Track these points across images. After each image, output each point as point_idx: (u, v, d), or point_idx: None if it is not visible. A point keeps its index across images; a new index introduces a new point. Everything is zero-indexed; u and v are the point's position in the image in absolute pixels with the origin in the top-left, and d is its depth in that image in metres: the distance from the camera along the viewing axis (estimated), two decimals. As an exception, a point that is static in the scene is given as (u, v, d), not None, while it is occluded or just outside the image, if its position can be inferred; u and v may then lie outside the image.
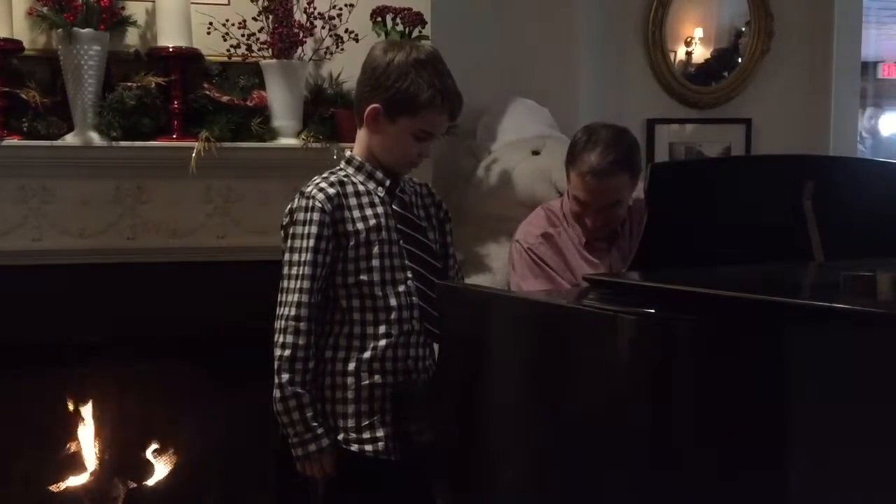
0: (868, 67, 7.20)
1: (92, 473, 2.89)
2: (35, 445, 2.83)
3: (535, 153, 3.09)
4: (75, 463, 2.88)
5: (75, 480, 2.87)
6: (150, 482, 2.94)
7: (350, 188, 2.06)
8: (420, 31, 2.76)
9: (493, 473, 1.76)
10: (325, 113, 2.73)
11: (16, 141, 2.52)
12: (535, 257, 2.50)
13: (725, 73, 3.80)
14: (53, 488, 2.86)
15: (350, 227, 2.03)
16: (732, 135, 3.80)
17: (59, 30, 2.52)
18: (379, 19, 2.75)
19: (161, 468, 2.96)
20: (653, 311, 1.40)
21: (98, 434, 2.89)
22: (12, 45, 2.53)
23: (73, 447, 2.88)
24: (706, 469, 1.37)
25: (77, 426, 2.88)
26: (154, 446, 2.96)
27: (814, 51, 3.83)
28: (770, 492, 1.38)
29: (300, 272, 2.00)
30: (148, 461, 2.95)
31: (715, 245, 1.71)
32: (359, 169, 2.09)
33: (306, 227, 2.00)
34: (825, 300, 1.35)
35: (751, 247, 1.73)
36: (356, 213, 2.04)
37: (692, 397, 1.38)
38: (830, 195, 1.78)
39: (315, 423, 2.01)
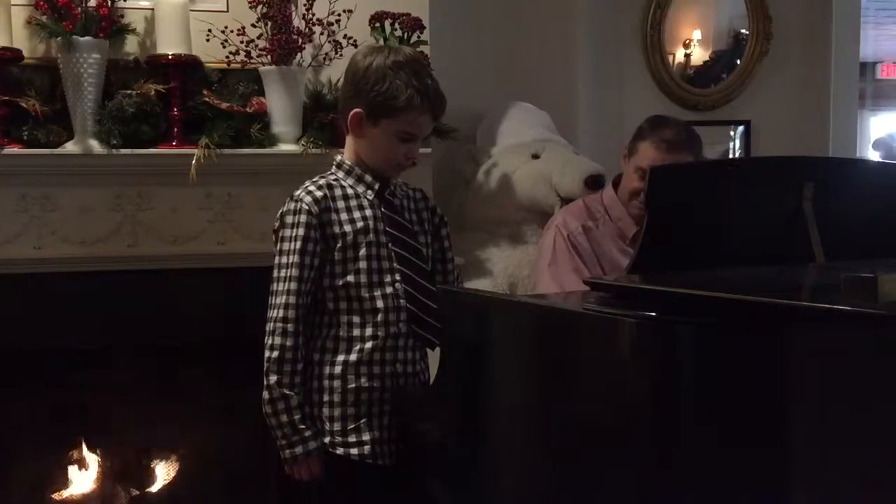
0: (867, 68, 7.20)
1: (94, 480, 2.89)
2: (37, 452, 2.83)
3: (535, 157, 3.10)
4: (77, 469, 2.88)
5: (78, 487, 2.87)
6: (153, 488, 2.94)
7: (339, 191, 2.07)
8: (419, 36, 2.76)
9: (495, 476, 1.76)
10: (325, 119, 2.73)
11: (16, 149, 2.53)
12: (571, 246, 2.54)
13: (724, 75, 3.80)
14: (56, 496, 2.85)
15: (337, 230, 2.03)
16: (732, 136, 3.81)
17: (59, 38, 2.52)
18: (378, 25, 2.75)
19: (163, 474, 2.96)
20: (653, 314, 1.40)
21: (100, 440, 2.89)
22: (12, 54, 2.53)
23: (75, 454, 2.88)
24: (709, 470, 1.37)
25: (79, 433, 2.88)
26: (156, 452, 2.95)
27: (812, 52, 3.84)
28: (773, 492, 1.39)
29: (288, 274, 2.00)
30: (150, 467, 2.95)
31: (715, 247, 1.71)
32: (348, 173, 2.09)
33: (294, 230, 2.01)
34: (826, 302, 1.35)
35: (751, 248, 1.73)
36: (344, 216, 2.04)
37: (694, 399, 1.38)
38: (830, 196, 1.78)
39: (303, 426, 2.01)
